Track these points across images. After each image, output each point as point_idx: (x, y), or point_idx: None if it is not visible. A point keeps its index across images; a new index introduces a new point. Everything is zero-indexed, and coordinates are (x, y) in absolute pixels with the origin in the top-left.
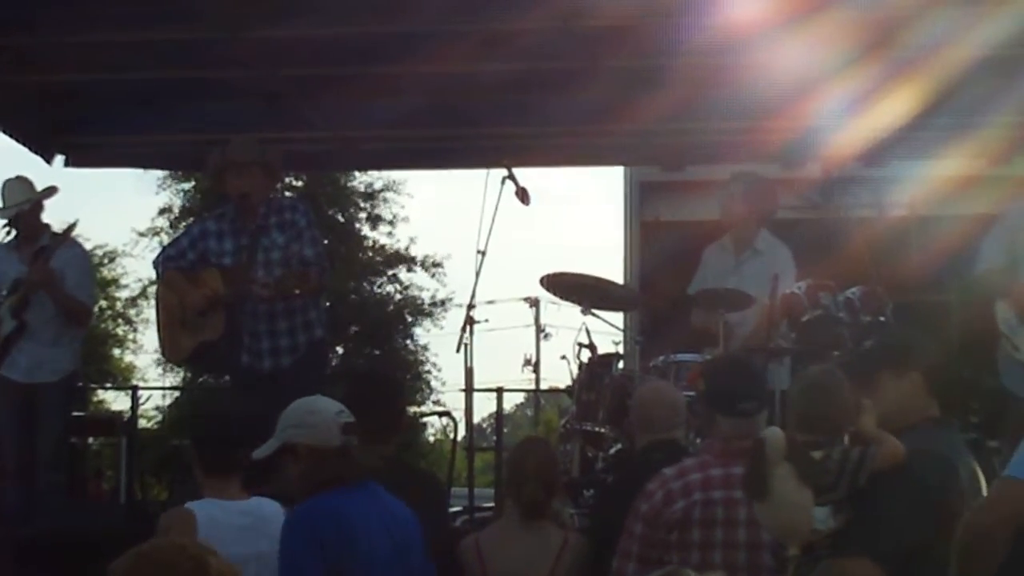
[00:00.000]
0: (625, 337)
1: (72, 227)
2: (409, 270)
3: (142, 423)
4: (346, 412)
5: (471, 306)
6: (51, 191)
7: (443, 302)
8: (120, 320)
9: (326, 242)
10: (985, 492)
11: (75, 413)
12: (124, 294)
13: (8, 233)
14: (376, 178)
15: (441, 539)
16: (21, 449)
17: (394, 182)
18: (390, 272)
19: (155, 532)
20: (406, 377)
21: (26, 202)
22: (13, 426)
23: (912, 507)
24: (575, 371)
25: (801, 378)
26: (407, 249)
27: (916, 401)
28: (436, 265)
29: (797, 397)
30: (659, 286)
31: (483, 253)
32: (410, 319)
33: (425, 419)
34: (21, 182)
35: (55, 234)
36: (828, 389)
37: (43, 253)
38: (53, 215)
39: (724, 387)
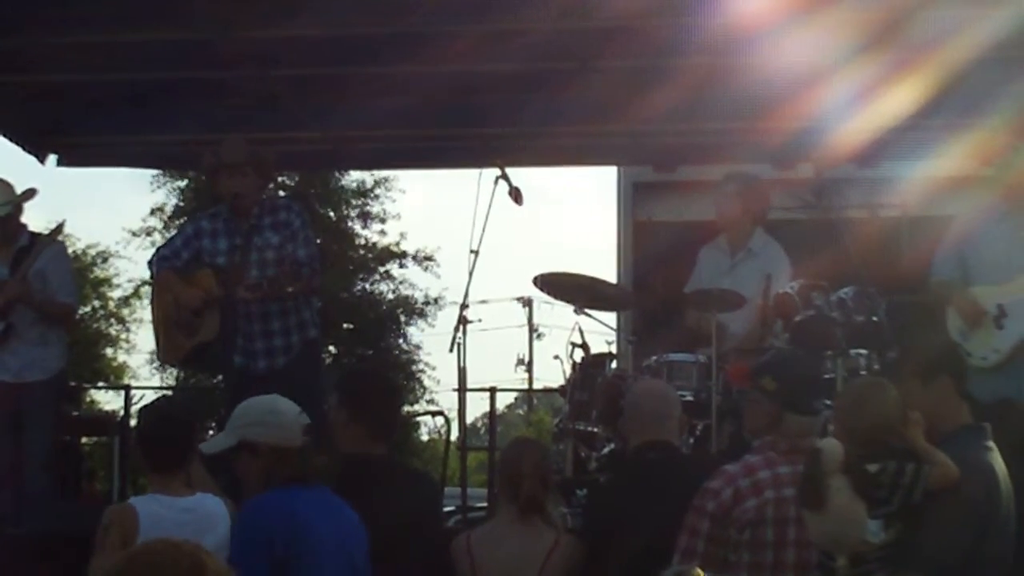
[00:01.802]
0: (618, 337)
1: (59, 229)
2: (401, 266)
3: (135, 422)
4: (304, 413)
5: (464, 306)
6: (31, 194)
7: (436, 300)
8: (113, 320)
9: (319, 241)
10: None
11: (72, 413)
12: (117, 294)
13: None
14: (367, 175)
15: (435, 538)
16: (11, 450)
17: (385, 179)
18: (382, 269)
19: (98, 528)
20: (399, 376)
21: (8, 204)
22: (3, 427)
23: (965, 524)
24: (568, 371)
25: (847, 389)
26: (397, 244)
27: (947, 406)
28: (428, 259)
29: (842, 408)
30: (652, 286)
31: (476, 253)
32: (403, 319)
33: (418, 419)
34: (2, 184)
35: (34, 234)
36: (872, 402)
37: (23, 253)
38: (44, 214)
39: (800, 385)
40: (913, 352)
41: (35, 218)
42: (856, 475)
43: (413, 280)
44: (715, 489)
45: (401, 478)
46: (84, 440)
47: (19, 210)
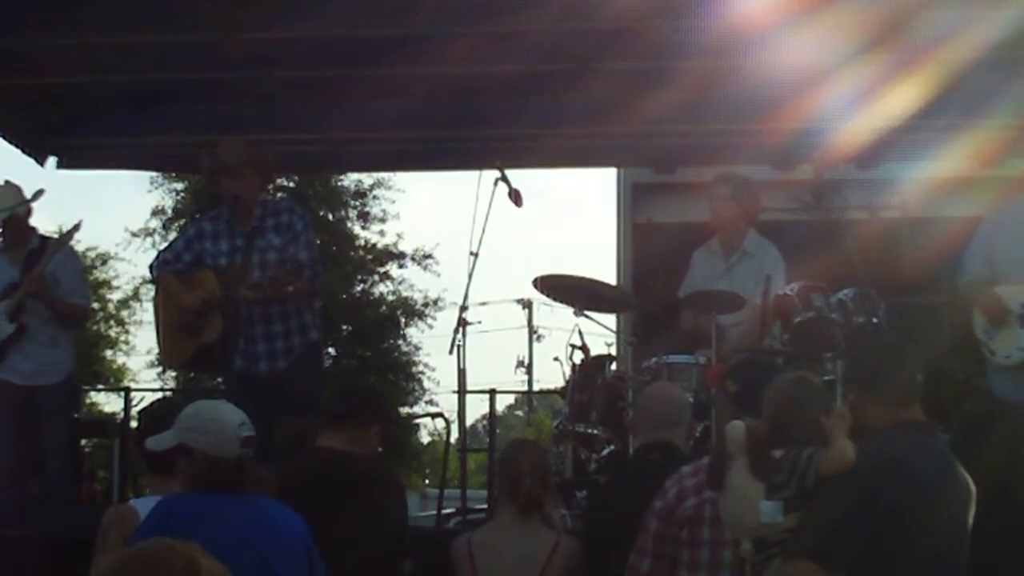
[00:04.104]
0: (617, 339)
1: (73, 231)
2: (400, 266)
3: (135, 424)
4: (248, 425)
5: (463, 308)
6: (39, 193)
7: (435, 301)
8: (112, 322)
9: (318, 242)
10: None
11: (73, 415)
12: (116, 296)
13: None
14: (366, 175)
15: (399, 537)
16: (17, 452)
17: (383, 179)
18: (382, 270)
19: (99, 530)
20: (399, 377)
21: (19, 206)
22: (9, 429)
23: (856, 511)
24: (568, 373)
25: (772, 388)
26: (395, 245)
27: (882, 412)
28: (427, 257)
29: (768, 408)
30: (652, 287)
31: (475, 255)
32: (403, 320)
33: (418, 420)
34: (9, 187)
35: (45, 237)
36: (798, 400)
37: (34, 256)
38: (45, 216)
39: (757, 389)
40: (855, 362)
41: (36, 220)
42: (755, 457)
43: (412, 281)
44: (665, 488)
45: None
46: (84, 442)
47: (28, 212)
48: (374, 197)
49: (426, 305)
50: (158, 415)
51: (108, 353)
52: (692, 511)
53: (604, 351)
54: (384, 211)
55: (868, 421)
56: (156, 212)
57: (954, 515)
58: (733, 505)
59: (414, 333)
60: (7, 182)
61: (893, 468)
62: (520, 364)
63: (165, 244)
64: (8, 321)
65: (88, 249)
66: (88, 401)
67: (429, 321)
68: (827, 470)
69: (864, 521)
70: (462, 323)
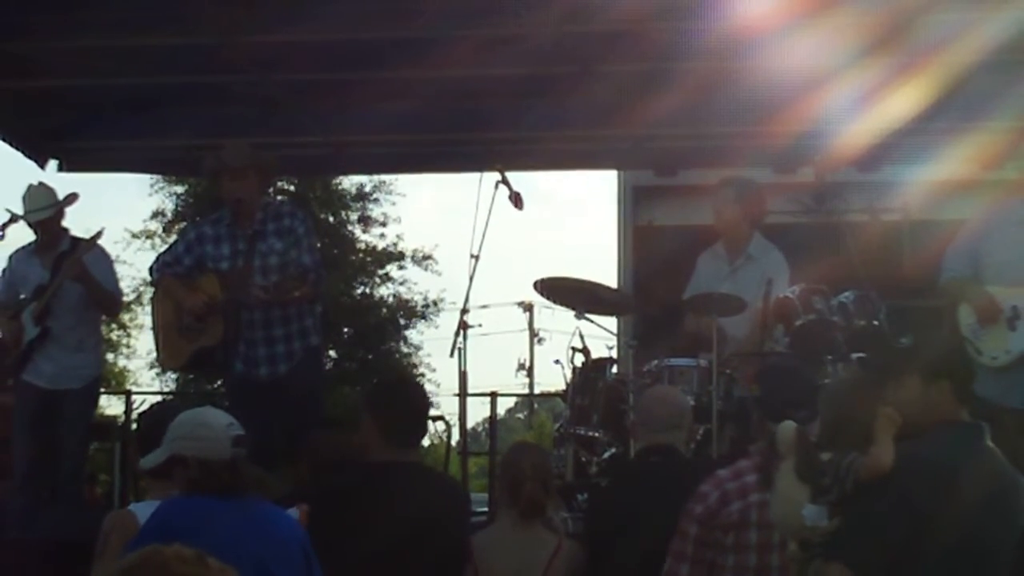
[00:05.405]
0: (619, 341)
1: (99, 235)
2: (400, 267)
3: (135, 427)
4: (236, 425)
5: (464, 310)
6: (73, 197)
7: (435, 302)
8: (114, 324)
9: (319, 246)
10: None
11: None
12: None
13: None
14: (367, 178)
15: (456, 545)
16: (34, 454)
17: (383, 182)
18: (382, 272)
19: (99, 534)
20: None
21: (51, 207)
22: (28, 431)
23: (890, 515)
24: (569, 375)
25: (826, 390)
26: (395, 246)
27: (942, 408)
28: (426, 258)
29: (822, 410)
30: (652, 291)
31: (476, 257)
32: (404, 323)
33: None
34: (44, 188)
35: (76, 239)
36: (849, 403)
37: (63, 258)
38: None
39: (777, 395)
40: (920, 350)
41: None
42: (802, 460)
43: (413, 282)
44: (704, 492)
45: (425, 485)
46: None
47: (61, 214)
48: (375, 200)
49: (427, 306)
50: (158, 418)
51: (110, 356)
52: (738, 515)
53: (605, 354)
54: (385, 215)
55: (928, 417)
56: (156, 215)
57: (996, 518)
58: (779, 506)
59: (414, 335)
60: (41, 183)
61: (930, 471)
62: (521, 367)
63: (165, 247)
64: (34, 324)
65: None
66: None
67: (432, 320)
68: (864, 476)
69: (898, 525)
70: (463, 326)
